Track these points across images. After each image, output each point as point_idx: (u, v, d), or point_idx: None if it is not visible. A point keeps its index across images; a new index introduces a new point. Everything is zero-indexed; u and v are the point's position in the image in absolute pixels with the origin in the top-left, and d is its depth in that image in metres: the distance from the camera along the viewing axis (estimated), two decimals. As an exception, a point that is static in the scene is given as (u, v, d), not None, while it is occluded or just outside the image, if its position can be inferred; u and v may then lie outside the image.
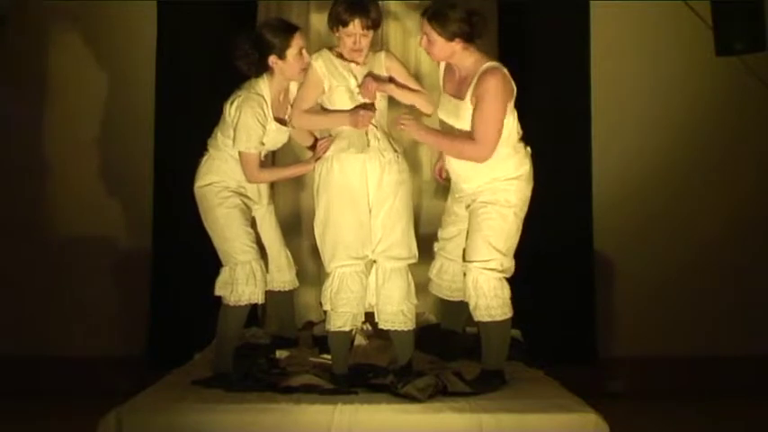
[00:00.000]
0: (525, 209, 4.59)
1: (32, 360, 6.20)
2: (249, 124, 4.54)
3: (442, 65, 4.69)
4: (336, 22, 4.48)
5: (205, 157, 4.74)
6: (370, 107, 4.52)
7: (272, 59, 4.57)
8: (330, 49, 4.61)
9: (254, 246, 4.68)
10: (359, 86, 4.52)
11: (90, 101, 6.37)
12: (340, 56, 4.57)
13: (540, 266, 5.85)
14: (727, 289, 6.42)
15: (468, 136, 4.45)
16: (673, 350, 6.34)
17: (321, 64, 4.54)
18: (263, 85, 4.61)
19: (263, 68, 4.60)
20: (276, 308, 5.19)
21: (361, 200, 4.51)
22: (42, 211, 6.37)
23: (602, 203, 6.35)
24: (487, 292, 4.48)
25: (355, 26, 4.45)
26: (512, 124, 4.52)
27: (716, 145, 6.46)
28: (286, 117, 4.71)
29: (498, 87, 4.40)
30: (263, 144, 4.61)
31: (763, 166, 6.46)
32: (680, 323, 6.39)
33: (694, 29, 6.07)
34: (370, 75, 4.55)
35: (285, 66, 4.58)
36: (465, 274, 4.55)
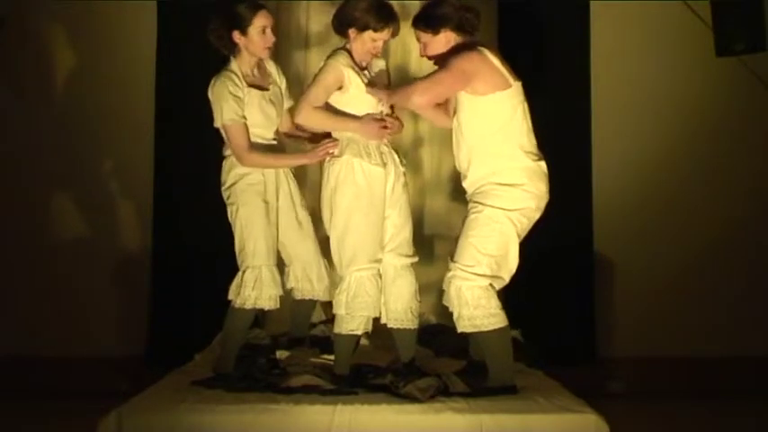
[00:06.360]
0: (526, 221, 4.43)
1: (32, 360, 6.21)
2: (220, 96, 4.57)
3: None
4: (363, 26, 4.48)
5: (224, 162, 4.73)
6: (379, 119, 4.54)
7: (236, 35, 4.63)
8: (342, 48, 4.60)
9: (270, 251, 4.65)
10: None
11: (90, 101, 6.37)
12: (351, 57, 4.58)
13: (540, 267, 5.85)
14: (727, 289, 6.42)
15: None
16: (673, 350, 6.34)
17: (347, 68, 4.51)
18: (233, 64, 4.67)
19: (231, 44, 4.67)
20: (298, 312, 5.09)
21: (380, 205, 4.53)
22: (42, 210, 6.37)
23: (602, 203, 6.35)
24: (470, 302, 4.33)
25: (387, 33, 4.51)
26: (508, 113, 4.38)
27: (716, 145, 6.46)
28: (266, 87, 4.71)
29: (463, 52, 4.36)
30: (244, 118, 4.58)
31: (763, 166, 6.47)
32: (680, 323, 6.39)
33: (694, 29, 6.08)
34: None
35: (248, 42, 4.63)
36: (449, 281, 4.41)
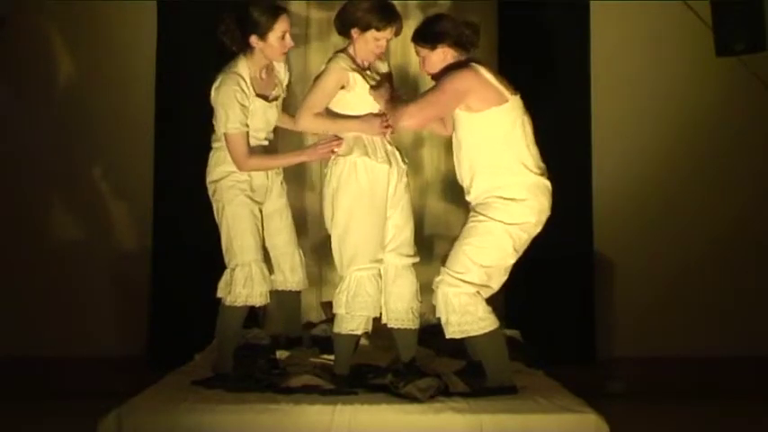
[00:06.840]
0: (525, 236, 4.39)
1: (33, 360, 6.21)
2: (227, 102, 4.50)
3: None
4: (366, 26, 4.45)
5: (211, 153, 4.70)
6: (381, 115, 4.52)
7: (254, 39, 4.55)
8: (343, 51, 4.57)
9: (258, 248, 4.64)
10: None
11: (90, 101, 6.37)
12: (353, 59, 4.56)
13: (540, 267, 5.84)
14: (727, 289, 6.42)
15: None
16: (673, 350, 6.34)
17: (350, 70, 4.48)
18: (241, 64, 4.59)
19: (245, 46, 4.58)
20: (283, 307, 5.12)
21: (382, 205, 4.52)
22: (42, 210, 6.37)
23: (602, 204, 6.35)
24: (458, 308, 4.33)
25: (390, 32, 4.48)
26: (506, 128, 4.36)
27: (716, 145, 6.46)
28: (271, 94, 4.68)
29: (456, 71, 4.34)
30: (247, 126, 4.55)
31: (763, 166, 6.47)
32: (680, 323, 6.39)
33: (694, 29, 6.08)
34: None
35: (266, 47, 4.56)
36: (437, 285, 4.40)
